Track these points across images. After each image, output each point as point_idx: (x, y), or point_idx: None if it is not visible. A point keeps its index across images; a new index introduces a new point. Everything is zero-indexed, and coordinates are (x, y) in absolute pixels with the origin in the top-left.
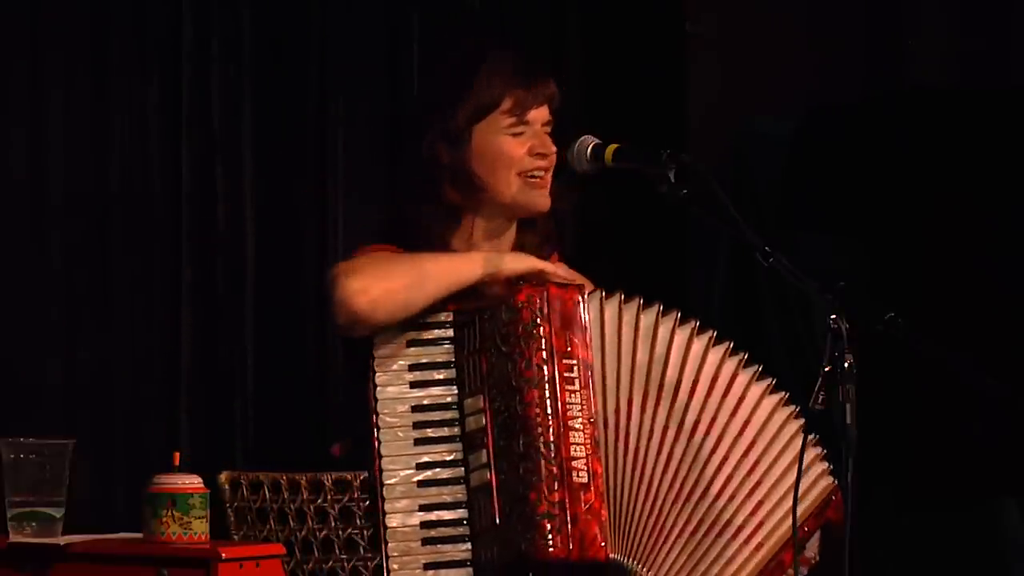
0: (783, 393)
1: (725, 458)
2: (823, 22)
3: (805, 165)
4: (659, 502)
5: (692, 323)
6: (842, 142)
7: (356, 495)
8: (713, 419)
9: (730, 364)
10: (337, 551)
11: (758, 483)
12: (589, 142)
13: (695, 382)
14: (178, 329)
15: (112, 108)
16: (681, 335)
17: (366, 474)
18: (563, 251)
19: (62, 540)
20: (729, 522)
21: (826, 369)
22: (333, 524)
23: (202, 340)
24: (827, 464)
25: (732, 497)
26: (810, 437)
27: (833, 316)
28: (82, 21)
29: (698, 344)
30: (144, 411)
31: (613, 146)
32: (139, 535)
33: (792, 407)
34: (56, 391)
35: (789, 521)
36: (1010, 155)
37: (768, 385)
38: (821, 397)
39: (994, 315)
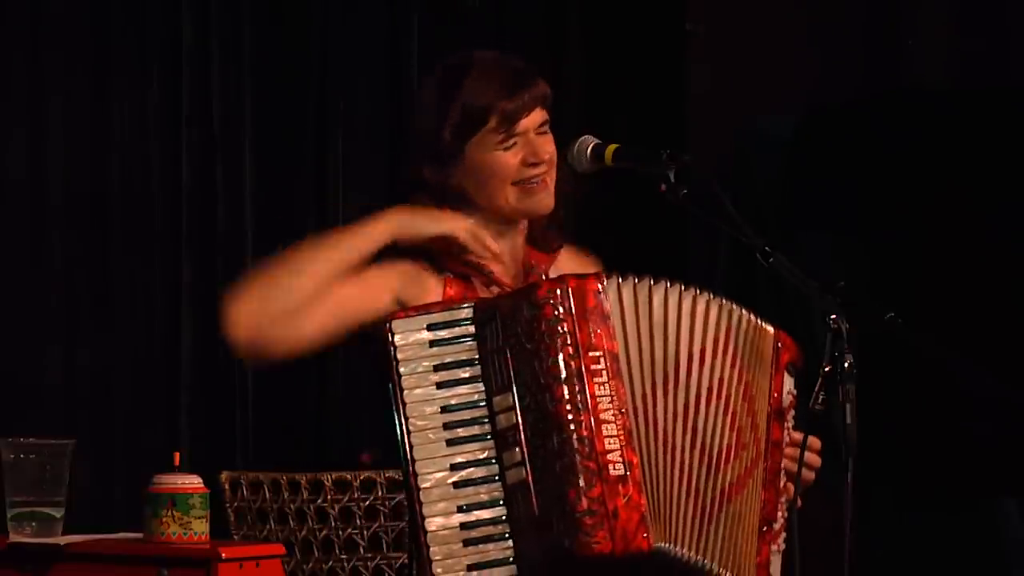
0: (740, 312)
1: (732, 411)
2: (823, 22)
3: (805, 165)
4: (694, 481)
5: (693, 289)
6: (842, 142)
7: (356, 495)
8: (720, 379)
9: (720, 316)
10: (337, 551)
11: (754, 410)
12: (589, 142)
13: (702, 349)
14: (178, 329)
15: (112, 108)
16: (687, 303)
17: (365, 475)
18: (573, 239)
19: (62, 540)
20: (745, 469)
21: (826, 369)
22: (333, 524)
23: (202, 340)
24: (754, 318)
25: (744, 444)
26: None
27: (833, 316)
28: (82, 21)
29: (700, 306)
30: (144, 411)
31: (613, 146)
32: (139, 535)
33: (745, 316)
34: (56, 391)
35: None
36: (1010, 155)
37: (735, 315)
38: (821, 397)
39: (994, 315)
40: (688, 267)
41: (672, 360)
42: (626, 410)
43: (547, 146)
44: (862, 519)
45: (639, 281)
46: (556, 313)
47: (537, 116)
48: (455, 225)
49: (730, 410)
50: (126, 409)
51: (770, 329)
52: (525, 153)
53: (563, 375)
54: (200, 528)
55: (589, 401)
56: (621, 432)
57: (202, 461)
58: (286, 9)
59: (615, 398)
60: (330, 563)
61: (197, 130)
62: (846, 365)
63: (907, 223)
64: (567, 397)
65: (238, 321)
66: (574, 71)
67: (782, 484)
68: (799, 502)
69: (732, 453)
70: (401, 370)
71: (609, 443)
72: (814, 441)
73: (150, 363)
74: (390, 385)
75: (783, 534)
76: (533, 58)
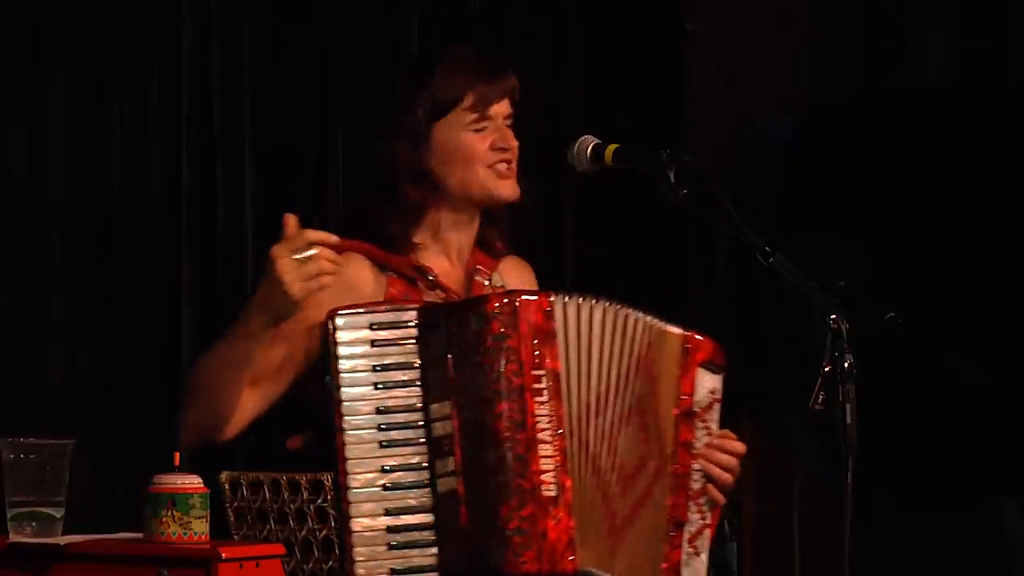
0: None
1: (644, 425)
2: (823, 22)
3: (805, 165)
4: (614, 505)
5: (626, 308)
6: (842, 142)
7: None
8: (639, 396)
9: (644, 332)
10: (337, 551)
11: (659, 416)
12: (589, 142)
13: (628, 368)
14: (178, 329)
15: (112, 108)
16: (620, 322)
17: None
18: (519, 250)
19: (62, 540)
20: (652, 478)
21: (826, 369)
22: (333, 524)
23: (202, 340)
24: (660, 324)
25: (651, 453)
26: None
27: (833, 316)
28: (82, 21)
29: (631, 324)
30: (144, 411)
31: (613, 146)
32: (139, 535)
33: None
34: (56, 391)
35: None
36: (1010, 155)
37: (646, 326)
38: (821, 397)
39: (994, 315)
40: (688, 267)
41: (604, 381)
42: (563, 431)
43: (513, 137)
44: (862, 519)
45: (582, 301)
46: (503, 329)
47: (506, 106)
48: (302, 285)
49: (642, 424)
50: (126, 409)
51: (676, 331)
52: (495, 138)
53: (505, 391)
54: (200, 528)
55: (528, 420)
56: (557, 453)
57: (202, 461)
58: (286, 9)
59: (554, 418)
60: (330, 563)
61: (197, 130)
62: (846, 365)
63: (907, 223)
64: (507, 413)
65: (189, 442)
66: (574, 71)
67: (698, 485)
68: (723, 498)
69: (641, 465)
70: (340, 366)
71: (544, 464)
72: (737, 446)
73: (150, 363)
74: (327, 378)
75: (706, 533)
76: (533, 58)
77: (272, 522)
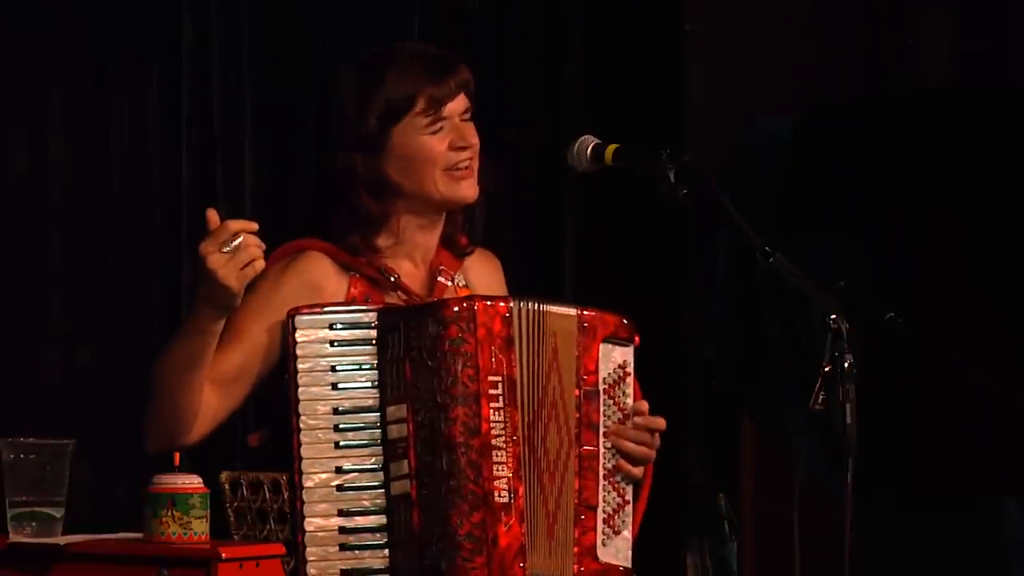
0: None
1: (557, 416)
2: (823, 22)
3: (805, 165)
4: (549, 505)
5: (558, 307)
6: (842, 142)
7: None
8: (560, 388)
9: (569, 327)
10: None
11: (564, 400)
12: (589, 142)
13: (558, 365)
14: (178, 329)
15: (112, 108)
16: (564, 323)
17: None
18: (486, 239)
19: (62, 540)
20: (564, 465)
21: (826, 369)
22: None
23: None
24: (558, 308)
25: (562, 440)
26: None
27: (833, 316)
28: (82, 21)
29: (569, 323)
30: (144, 411)
31: (613, 146)
32: (139, 535)
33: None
34: (56, 391)
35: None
36: (1010, 155)
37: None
38: (821, 397)
39: (994, 315)
40: (688, 267)
41: (544, 382)
42: (517, 438)
43: (473, 132)
44: (862, 519)
45: (536, 305)
46: (461, 334)
47: (461, 103)
48: (238, 275)
49: (557, 415)
50: (126, 409)
51: (570, 312)
52: (452, 138)
53: (460, 397)
54: (200, 528)
55: (483, 425)
56: (511, 459)
57: (202, 461)
58: (286, 9)
59: (508, 424)
60: None
61: (197, 130)
62: (846, 365)
63: (907, 223)
64: (462, 419)
65: (153, 447)
66: (574, 71)
67: (611, 464)
68: (642, 472)
69: (558, 457)
70: (299, 366)
71: (497, 469)
72: (654, 421)
73: (150, 363)
74: (285, 377)
75: (627, 510)
76: (533, 58)
77: (272, 522)
